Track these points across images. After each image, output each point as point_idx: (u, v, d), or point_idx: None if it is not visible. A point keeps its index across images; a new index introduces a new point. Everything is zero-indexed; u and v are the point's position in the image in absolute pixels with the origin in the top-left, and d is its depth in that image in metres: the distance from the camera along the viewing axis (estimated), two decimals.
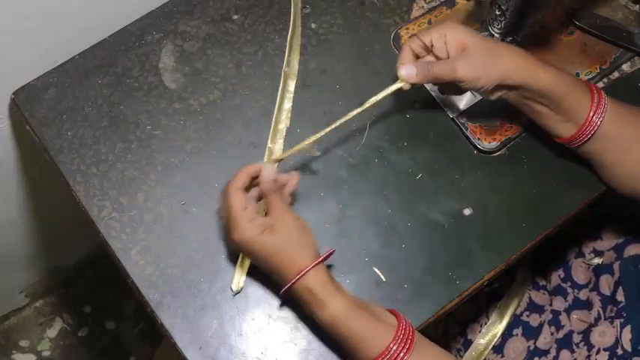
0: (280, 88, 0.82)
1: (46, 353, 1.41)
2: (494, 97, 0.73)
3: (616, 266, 0.89)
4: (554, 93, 0.71)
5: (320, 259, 0.66)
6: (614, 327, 0.84)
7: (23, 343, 1.41)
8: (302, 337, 0.72)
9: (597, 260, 0.92)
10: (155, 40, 0.83)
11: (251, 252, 0.68)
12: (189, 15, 0.85)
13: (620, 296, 0.87)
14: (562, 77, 0.72)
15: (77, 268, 1.43)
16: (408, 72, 0.71)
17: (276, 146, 0.79)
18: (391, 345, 0.63)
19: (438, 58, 0.73)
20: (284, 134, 0.80)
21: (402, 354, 0.63)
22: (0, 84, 0.79)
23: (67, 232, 1.25)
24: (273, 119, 0.80)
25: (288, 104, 0.81)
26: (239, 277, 0.73)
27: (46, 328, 1.43)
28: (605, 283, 0.89)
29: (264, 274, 0.71)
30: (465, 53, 0.70)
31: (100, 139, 0.78)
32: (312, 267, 0.65)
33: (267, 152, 0.79)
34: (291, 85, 0.82)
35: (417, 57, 0.74)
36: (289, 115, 0.80)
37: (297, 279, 0.65)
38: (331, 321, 0.65)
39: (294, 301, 0.69)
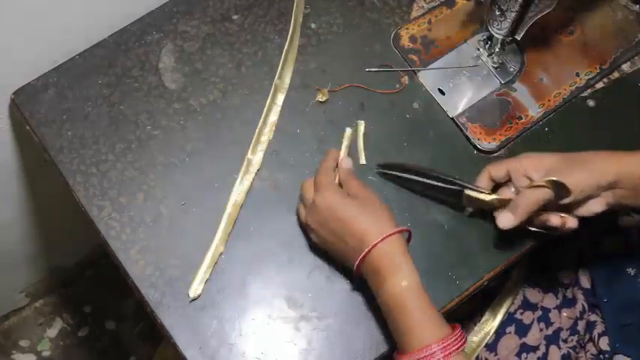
0: (268, 101, 0.81)
1: (46, 353, 1.41)
2: (599, 207, 0.71)
3: (591, 259, 0.91)
4: None
5: (403, 228, 0.67)
6: (592, 338, 0.87)
7: (23, 343, 1.41)
8: (302, 337, 0.72)
9: (574, 257, 0.94)
10: (155, 40, 0.83)
11: (330, 215, 0.68)
12: (189, 15, 0.85)
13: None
14: None
15: (77, 268, 1.43)
16: (508, 221, 0.69)
17: (256, 158, 0.78)
18: (433, 345, 0.61)
19: (516, 189, 0.73)
20: (265, 146, 0.79)
21: (439, 358, 0.61)
22: (0, 84, 0.79)
23: (67, 232, 1.25)
24: (257, 130, 0.80)
25: (274, 117, 0.81)
26: (197, 284, 0.73)
27: (46, 328, 1.43)
28: (584, 277, 0.92)
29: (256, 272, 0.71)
30: (551, 172, 0.69)
31: (100, 139, 0.79)
32: (397, 232, 0.66)
33: (245, 162, 0.78)
34: (280, 99, 0.82)
35: (494, 181, 0.75)
36: (273, 128, 0.80)
37: (383, 238, 0.64)
38: (400, 290, 0.64)
39: (364, 272, 0.67)
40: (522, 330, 0.90)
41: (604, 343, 0.86)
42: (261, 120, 0.80)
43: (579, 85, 0.85)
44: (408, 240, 0.69)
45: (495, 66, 0.85)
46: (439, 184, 0.74)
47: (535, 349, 0.89)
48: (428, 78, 0.84)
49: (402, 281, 0.64)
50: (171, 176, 0.78)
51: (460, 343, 0.62)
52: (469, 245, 0.77)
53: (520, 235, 0.78)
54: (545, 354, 0.88)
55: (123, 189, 0.77)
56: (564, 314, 0.90)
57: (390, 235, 0.65)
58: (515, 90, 0.84)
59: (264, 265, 0.75)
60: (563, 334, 0.89)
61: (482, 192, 0.73)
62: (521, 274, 0.94)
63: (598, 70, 0.86)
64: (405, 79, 0.84)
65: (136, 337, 1.44)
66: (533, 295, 0.93)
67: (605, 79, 0.87)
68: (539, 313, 0.91)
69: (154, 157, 0.78)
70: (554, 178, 0.67)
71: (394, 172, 0.77)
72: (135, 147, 0.78)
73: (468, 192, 0.73)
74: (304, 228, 0.74)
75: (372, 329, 0.73)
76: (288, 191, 0.78)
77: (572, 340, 0.89)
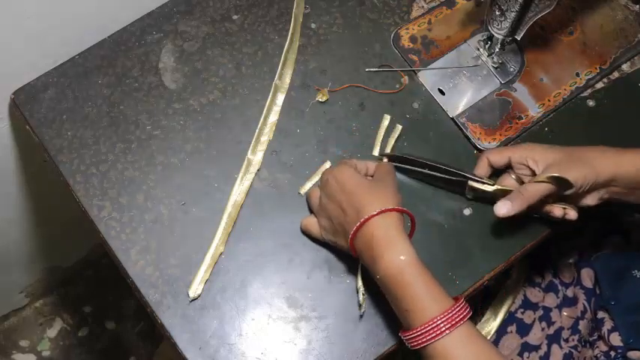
0: (268, 101, 0.81)
1: (46, 353, 1.42)
2: (593, 201, 0.73)
3: (594, 259, 0.91)
4: None
5: (405, 209, 0.67)
6: (602, 335, 0.87)
7: (23, 343, 1.41)
8: (302, 337, 0.72)
9: (575, 256, 0.94)
10: (155, 40, 0.83)
11: (339, 188, 0.68)
12: (189, 15, 0.85)
13: (598, 289, 0.89)
14: None
15: (77, 268, 1.43)
16: (505, 209, 0.70)
17: (256, 157, 0.79)
18: (438, 318, 0.61)
19: (517, 177, 0.75)
20: (265, 147, 0.79)
21: (445, 329, 0.60)
22: (0, 84, 0.79)
23: (67, 232, 1.25)
24: (257, 131, 0.80)
25: (273, 117, 0.81)
26: (197, 284, 0.73)
27: (46, 328, 1.43)
28: (587, 276, 0.92)
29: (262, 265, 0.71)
30: (551, 166, 0.71)
31: (100, 139, 0.78)
32: (399, 209, 0.66)
33: (245, 162, 0.78)
34: (280, 99, 0.82)
35: (492, 167, 0.77)
36: (273, 128, 0.80)
37: (381, 212, 0.65)
38: (399, 265, 0.63)
39: (358, 246, 0.67)
40: (523, 329, 0.90)
41: (615, 339, 0.86)
42: (261, 120, 0.80)
43: (579, 85, 0.85)
44: (412, 231, 0.70)
45: (495, 66, 0.85)
46: (443, 175, 0.76)
47: (537, 348, 0.89)
48: (428, 78, 0.84)
49: (400, 256, 0.63)
50: (172, 176, 0.78)
51: (464, 314, 0.62)
52: (469, 245, 0.77)
53: (519, 235, 0.78)
54: (547, 353, 0.89)
55: (123, 189, 0.77)
56: (565, 313, 0.90)
57: (388, 210, 0.65)
58: (515, 90, 0.84)
59: (264, 265, 0.75)
60: (565, 334, 0.89)
61: (485, 183, 0.75)
62: (522, 274, 0.94)
63: (598, 70, 0.86)
64: (405, 79, 0.84)
65: (136, 337, 1.44)
66: (534, 294, 0.93)
67: (605, 79, 0.87)
68: (540, 312, 0.91)
69: (154, 157, 0.78)
70: (557, 175, 0.69)
71: (397, 164, 0.78)
72: (135, 147, 0.78)
73: (471, 183, 0.75)
74: (314, 210, 0.74)
75: (372, 329, 0.73)
76: (288, 191, 0.78)
77: (573, 340, 0.89)
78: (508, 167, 0.76)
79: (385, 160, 0.79)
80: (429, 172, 0.77)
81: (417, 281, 0.63)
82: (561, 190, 0.71)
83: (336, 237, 0.71)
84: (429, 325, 0.61)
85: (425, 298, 0.62)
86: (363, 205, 0.66)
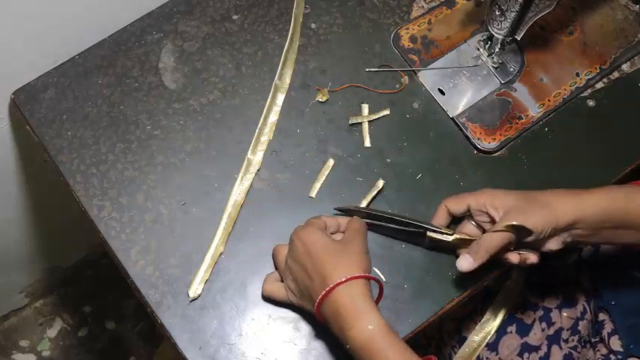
0: (268, 101, 0.81)
1: (46, 353, 1.42)
2: (556, 245, 0.70)
3: (594, 260, 0.92)
4: (614, 211, 0.69)
5: (372, 276, 0.66)
6: (603, 337, 0.87)
7: (23, 343, 1.41)
8: (302, 337, 0.72)
9: (575, 257, 0.94)
10: (155, 40, 0.83)
11: (303, 250, 0.66)
12: (189, 15, 0.85)
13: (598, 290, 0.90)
14: (611, 192, 0.70)
15: (77, 268, 1.43)
16: (467, 265, 0.68)
17: (256, 157, 0.79)
18: None
19: (477, 223, 0.73)
20: (265, 147, 0.79)
21: None
22: (0, 84, 0.79)
23: (67, 232, 1.25)
24: (257, 131, 0.80)
25: (273, 117, 0.81)
26: (197, 284, 0.73)
27: (46, 328, 1.43)
28: (584, 277, 0.92)
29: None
30: (510, 212, 0.69)
31: (100, 139, 0.79)
32: (365, 276, 0.64)
33: (245, 162, 0.78)
34: (280, 99, 0.82)
35: (452, 215, 0.74)
36: (273, 128, 0.80)
37: (346, 280, 0.63)
38: (369, 335, 0.62)
39: (325, 315, 0.65)
40: (523, 329, 0.90)
41: (616, 344, 0.86)
42: (261, 120, 0.80)
43: (579, 85, 0.85)
44: (379, 297, 0.68)
45: (495, 66, 0.85)
46: (400, 227, 0.74)
47: (537, 348, 0.89)
48: (428, 78, 0.84)
49: (368, 325, 0.62)
50: (171, 176, 0.78)
51: None
52: None
53: None
54: (547, 354, 0.88)
55: (123, 189, 0.77)
56: (565, 314, 0.90)
57: (354, 277, 0.63)
58: (515, 90, 0.84)
59: (264, 265, 0.75)
60: (564, 334, 0.89)
61: (444, 233, 0.73)
62: (522, 274, 0.94)
63: (598, 70, 0.86)
64: (405, 79, 0.84)
65: (136, 337, 1.44)
66: (534, 294, 0.93)
67: (605, 79, 0.87)
68: (540, 312, 0.91)
69: (154, 157, 0.78)
70: (515, 223, 0.67)
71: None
72: (135, 147, 0.78)
73: (430, 234, 0.73)
74: (280, 270, 0.72)
75: None
76: (288, 191, 0.78)
77: (572, 340, 0.89)
78: (467, 214, 0.74)
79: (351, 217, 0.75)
80: (385, 224, 0.75)
81: (387, 349, 0.62)
82: (521, 237, 0.69)
83: (302, 300, 0.69)
84: None
85: None
86: (329, 272, 0.64)
